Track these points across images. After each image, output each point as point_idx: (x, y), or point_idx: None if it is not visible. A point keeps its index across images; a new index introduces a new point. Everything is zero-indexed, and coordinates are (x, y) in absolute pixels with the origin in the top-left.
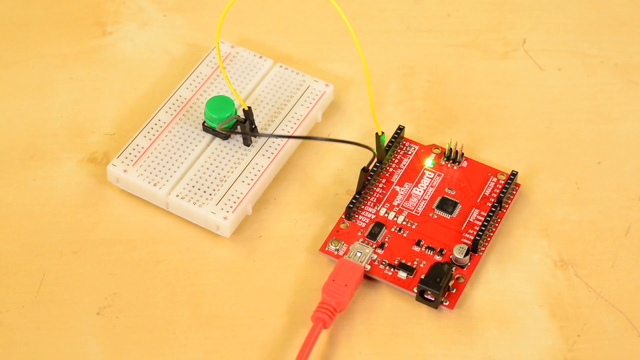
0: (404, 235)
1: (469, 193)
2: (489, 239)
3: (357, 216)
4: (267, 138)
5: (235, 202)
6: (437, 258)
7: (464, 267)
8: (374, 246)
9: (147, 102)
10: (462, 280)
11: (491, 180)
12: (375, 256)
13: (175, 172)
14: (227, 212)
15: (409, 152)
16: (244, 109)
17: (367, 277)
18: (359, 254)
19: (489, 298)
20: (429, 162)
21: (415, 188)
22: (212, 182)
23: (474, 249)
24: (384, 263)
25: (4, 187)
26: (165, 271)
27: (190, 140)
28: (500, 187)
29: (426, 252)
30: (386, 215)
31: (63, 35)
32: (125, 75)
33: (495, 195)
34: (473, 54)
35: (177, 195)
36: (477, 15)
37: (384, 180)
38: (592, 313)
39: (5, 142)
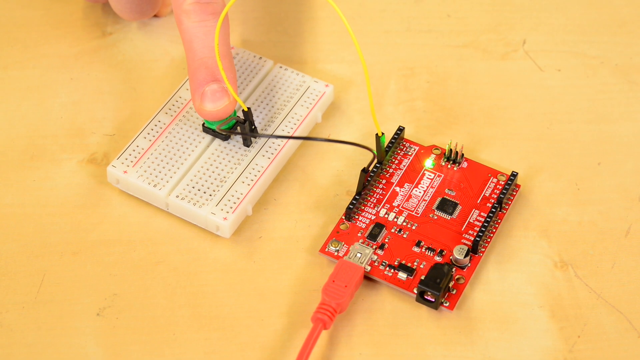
0: (404, 236)
1: (469, 194)
2: (489, 240)
3: (357, 217)
4: (267, 139)
5: (235, 203)
6: (437, 259)
7: (464, 268)
8: (374, 247)
9: (147, 103)
10: (462, 281)
11: (491, 181)
12: (375, 257)
13: (175, 173)
14: (227, 212)
15: (409, 153)
16: (243, 110)
17: (367, 278)
18: (359, 255)
19: (489, 299)
20: (429, 162)
21: (415, 189)
22: (212, 183)
23: (474, 250)
24: (384, 264)
25: (4, 187)
26: (165, 272)
27: (190, 141)
28: (500, 187)
29: (426, 253)
30: (386, 216)
31: (63, 36)
32: (125, 75)
33: (495, 196)
34: (473, 55)
35: (177, 196)
36: (477, 16)
37: (384, 181)
38: (592, 314)
39: (5, 143)
